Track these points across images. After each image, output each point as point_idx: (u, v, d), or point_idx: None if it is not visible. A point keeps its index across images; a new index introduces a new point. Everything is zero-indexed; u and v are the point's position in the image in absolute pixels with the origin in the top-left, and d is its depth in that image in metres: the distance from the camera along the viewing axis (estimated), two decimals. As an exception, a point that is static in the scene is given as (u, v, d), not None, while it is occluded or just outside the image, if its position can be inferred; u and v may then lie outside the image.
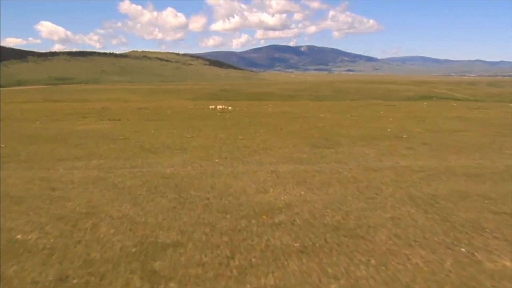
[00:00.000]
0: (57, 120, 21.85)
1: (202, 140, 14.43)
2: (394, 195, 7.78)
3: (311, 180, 8.83)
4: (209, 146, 13.27)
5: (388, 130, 18.02)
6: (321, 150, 12.64)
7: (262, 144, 13.71)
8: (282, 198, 7.52)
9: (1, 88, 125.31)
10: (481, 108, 35.53)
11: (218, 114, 25.78)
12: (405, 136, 16.15)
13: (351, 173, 9.57)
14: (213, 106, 31.43)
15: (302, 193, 7.86)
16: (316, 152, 12.24)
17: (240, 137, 15.13)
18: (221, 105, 32.59)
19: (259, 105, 36.60)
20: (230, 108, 30.03)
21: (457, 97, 76.31)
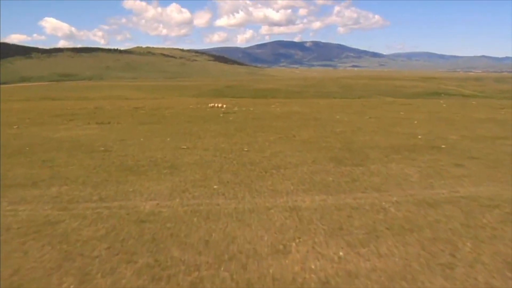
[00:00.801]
0: (39, 124, 19.27)
1: (200, 153, 11.79)
2: (480, 259, 5.13)
3: (348, 226, 6.18)
4: (207, 162, 10.63)
5: (419, 137, 15.28)
6: (349, 168, 9.95)
7: (273, 158, 11.05)
8: (313, 266, 4.89)
9: (3, 85, 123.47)
10: (507, 108, 32.60)
11: (221, 115, 23.04)
12: (443, 146, 13.40)
13: (400, 211, 6.91)
14: (216, 105, 28.71)
15: (341, 254, 5.22)
16: (344, 172, 9.55)
17: (245, 148, 12.48)
18: (225, 104, 29.83)
19: (266, 104, 33.57)
20: (235, 108, 27.07)
21: (465, 94, 73.46)
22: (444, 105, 36.21)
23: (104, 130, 16.81)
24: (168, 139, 14.32)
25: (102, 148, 12.41)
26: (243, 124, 18.84)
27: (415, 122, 20.57)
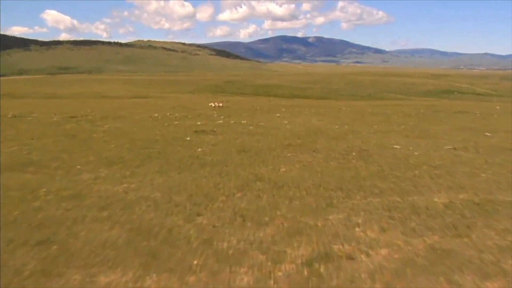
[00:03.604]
0: None
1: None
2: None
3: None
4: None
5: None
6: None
7: None
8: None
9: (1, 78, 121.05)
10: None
11: (188, 139, 12.93)
12: None
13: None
14: (193, 122, 17.86)
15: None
16: None
17: None
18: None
19: (268, 108, 24.90)
20: (219, 121, 17.80)
21: (478, 92, 71.96)
22: (486, 107, 31.06)
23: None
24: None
25: None
26: (220, 167, 8.88)
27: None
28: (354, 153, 10.09)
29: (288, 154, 10.03)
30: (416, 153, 10.39)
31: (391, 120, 18.99)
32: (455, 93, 65.08)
